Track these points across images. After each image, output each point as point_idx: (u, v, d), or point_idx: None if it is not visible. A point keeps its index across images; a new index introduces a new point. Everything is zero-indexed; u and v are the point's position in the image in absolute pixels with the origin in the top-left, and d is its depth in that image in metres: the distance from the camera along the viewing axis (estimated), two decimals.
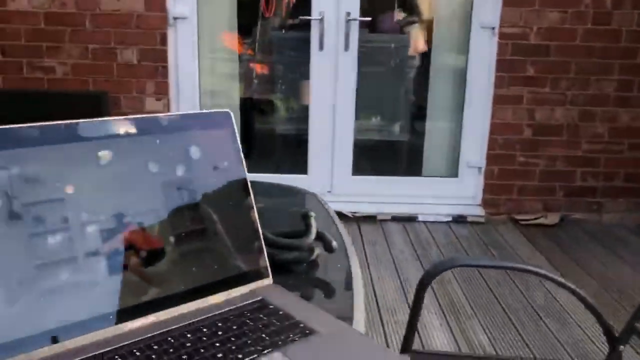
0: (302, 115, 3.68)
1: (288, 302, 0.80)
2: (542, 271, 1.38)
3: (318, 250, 0.93)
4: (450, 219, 3.56)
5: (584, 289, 1.33)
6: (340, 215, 3.46)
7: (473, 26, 3.42)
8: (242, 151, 0.84)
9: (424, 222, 3.54)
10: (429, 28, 3.76)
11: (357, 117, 3.59)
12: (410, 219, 3.55)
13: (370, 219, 3.52)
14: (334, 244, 0.93)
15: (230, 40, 3.70)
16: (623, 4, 3.33)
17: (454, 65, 3.60)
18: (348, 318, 0.78)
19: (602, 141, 3.54)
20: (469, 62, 3.47)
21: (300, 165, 3.62)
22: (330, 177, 3.59)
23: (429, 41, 3.73)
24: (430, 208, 3.57)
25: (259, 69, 4.71)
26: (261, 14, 4.87)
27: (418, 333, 2.31)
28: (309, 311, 0.78)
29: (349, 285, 0.87)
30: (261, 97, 4.74)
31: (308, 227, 0.94)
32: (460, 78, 3.56)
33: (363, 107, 3.68)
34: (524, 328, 2.35)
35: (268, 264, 0.84)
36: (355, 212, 3.51)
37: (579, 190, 3.60)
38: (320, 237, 0.94)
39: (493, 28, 3.39)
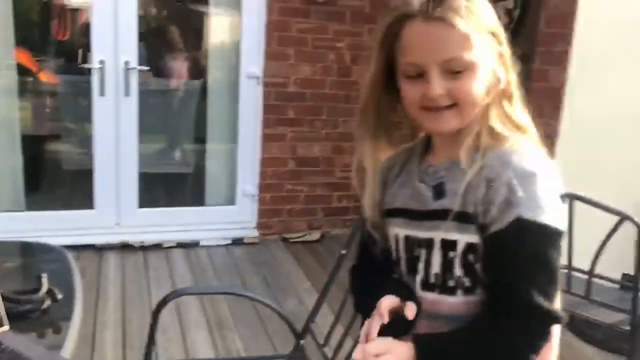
0: (87, 151, 3.91)
1: (19, 342, 1.19)
2: (243, 292, 1.90)
3: (48, 302, 1.33)
4: (229, 242, 4.07)
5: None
6: (127, 246, 3.78)
7: (241, 76, 3.97)
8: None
9: (206, 246, 4.00)
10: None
11: (142, 151, 3.93)
12: (194, 245, 3.99)
13: (157, 247, 3.89)
14: (59, 296, 1.33)
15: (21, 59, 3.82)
16: (359, 60, 4.13)
17: (229, 109, 4.12)
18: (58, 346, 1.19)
19: (351, 170, 4.31)
20: (239, 106, 4.01)
21: (86, 200, 3.86)
22: (117, 211, 3.89)
23: (205, 86, 4.23)
24: (212, 233, 4.05)
25: (46, 100, 4.81)
26: (53, 36, 4.96)
27: (186, 346, 2.76)
28: (34, 348, 1.18)
29: (67, 323, 1.29)
30: (47, 130, 4.85)
31: (40, 284, 1.33)
32: (235, 120, 4.09)
33: (147, 142, 4.05)
34: (276, 334, 2.90)
35: (4, 314, 1.22)
36: (142, 242, 3.85)
37: (336, 211, 4.33)
38: (49, 291, 1.34)
39: (258, 77, 3.98)
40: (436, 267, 1.06)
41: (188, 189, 4.76)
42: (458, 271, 1.04)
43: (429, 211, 1.06)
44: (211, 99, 4.20)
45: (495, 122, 1.04)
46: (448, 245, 1.04)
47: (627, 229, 2.20)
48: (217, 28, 4.49)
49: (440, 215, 1.04)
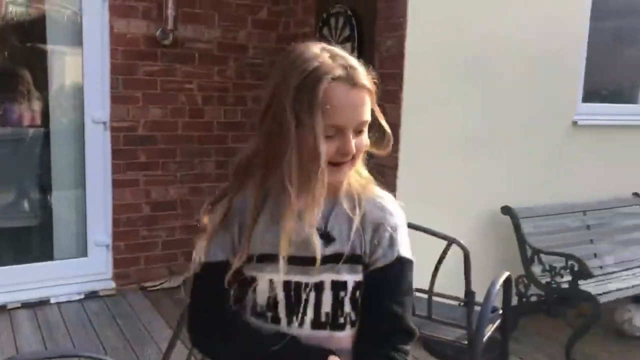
0: None
1: None
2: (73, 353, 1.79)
3: None
4: (82, 296, 3.82)
5: None
6: None
7: (86, 120, 3.81)
8: None
9: (57, 303, 3.72)
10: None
11: None
12: (42, 303, 3.69)
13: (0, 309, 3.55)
14: None
15: None
16: (210, 102, 4.14)
17: (75, 155, 3.92)
18: None
19: None
20: (86, 153, 3.83)
21: None
22: None
23: (48, 138, 3.97)
24: (63, 289, 3.78)
25: None
26: None
27: None
28: None
29: None
30: None
31: None
32: (82, 167, 3.89)
33: None
34: None
35: None
36: None
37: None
38: None
39: (105, 122, 3.84)
40: (327, 306, 1.15)
41: (35, 242, 4.41)
42: (347, 308, 1.15)
43: (321, 257, 1.12)
44: (56, 146, 3.95)
45: (361, 168, 1.20)
46: (339, 286, 1.14)
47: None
48: (60, 71, 4.28)
49: (330, 259, 1.13)
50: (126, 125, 3.89)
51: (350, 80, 1.09)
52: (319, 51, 1.12)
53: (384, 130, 1.18)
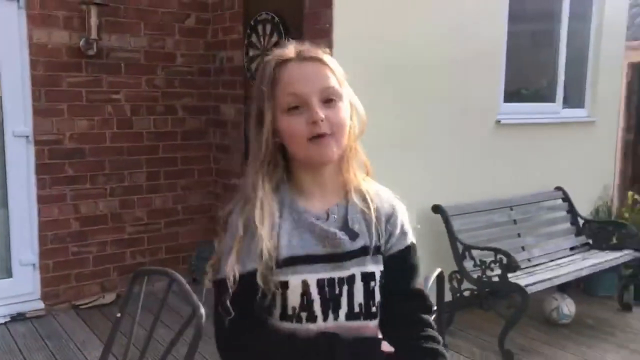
0: None
1: None
2: None
3: None
4: (8, 319, 3.64)
5: None
6: None
7: (7, 135, 3.64)
8: None
9: None
10: None
11: None
12: None
13: None
14: None
15: None
16: (139, 112, 4.05)
17: None
18: None
19: (142, 223, 4.18)
20: (7, 168, 3.66)
21: None
22: None
23: None
24: None
25: None
26: None
27: None
28: None
29: None
30: None
31: None
32: (4, 184, 3.71)
33: None
34: None
35: None
36: None
37: (131, 268, 4.12)
38: None
39: (27, 136, 3.68)
40: (359, 298, 1.20)
41: None
42: (378, 297, 1.22)
43: (349, 252, 1.19)
44: None
45: (357, 169, 1.25)
46: (368, 277, 1.21)
47: None
48: None
49: (358, 253, 1.20)
50: (51, 139, 3.74)
51: (300, 56, 1.17)
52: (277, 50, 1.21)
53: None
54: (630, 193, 4.63)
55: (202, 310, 1.68)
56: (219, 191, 4.41)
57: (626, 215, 4.46)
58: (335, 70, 1.19)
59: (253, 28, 3.76)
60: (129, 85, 4.00)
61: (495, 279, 3.37)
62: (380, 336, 1.23)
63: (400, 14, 3.46)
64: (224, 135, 4.29)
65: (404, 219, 1.28)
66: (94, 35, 3.71)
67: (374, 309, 1.22)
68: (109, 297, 3.99)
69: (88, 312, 3.84)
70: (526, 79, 4.66)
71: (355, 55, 3.21)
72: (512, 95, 4.23)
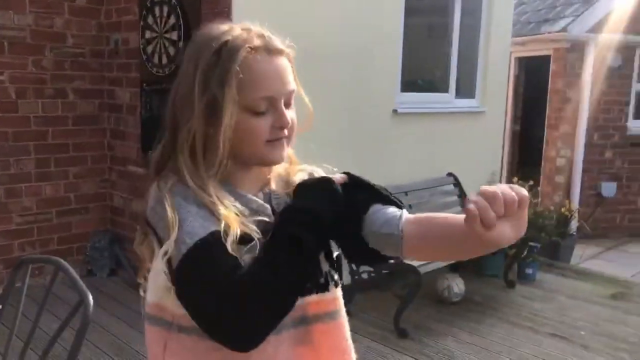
0: None
1: None
2: None
3: None
4: None
5: None
6: None
7: None
8: None
9: None
10: None
11: None
12: None
13: None
14: None
15: None
16: (26, 95, 3.81)
17: None
18: None
19: (32, 213, 3.94)
20: None
21: None
22: None
23: None
24: None
25: None
26: None
27: None
28: None
29: None
30: None
31: None
32: None
33: None
34: None
35: None
36: None
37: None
38: None
39: None
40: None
41: None
42: (325, 266, 1.15)
43: None
44: None
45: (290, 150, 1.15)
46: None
47: None
48: None
49: None
50: None
51: (267, 48, 1.03)
52: (228, 27, 1.04)
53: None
54: (515, 178, 4.96)
55: (90, 298, 1.63)
56: (114, 179, 4.24)
57: None
58: (293, 63, 1.10)
59: (149, 9, 3.64)
60: (13, 66, 3.75)
61: (391, 260, 3.49)
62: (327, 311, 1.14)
63: (299, 2, 3.48)
64: (119, 120, 4.12)
65: (322, 173, 1.23)
66: None
67: (322, 280, 1.13)
68: None
69: None
70: (422, 70, 4.85)
71: None
72: (409, 85, 4.39)
